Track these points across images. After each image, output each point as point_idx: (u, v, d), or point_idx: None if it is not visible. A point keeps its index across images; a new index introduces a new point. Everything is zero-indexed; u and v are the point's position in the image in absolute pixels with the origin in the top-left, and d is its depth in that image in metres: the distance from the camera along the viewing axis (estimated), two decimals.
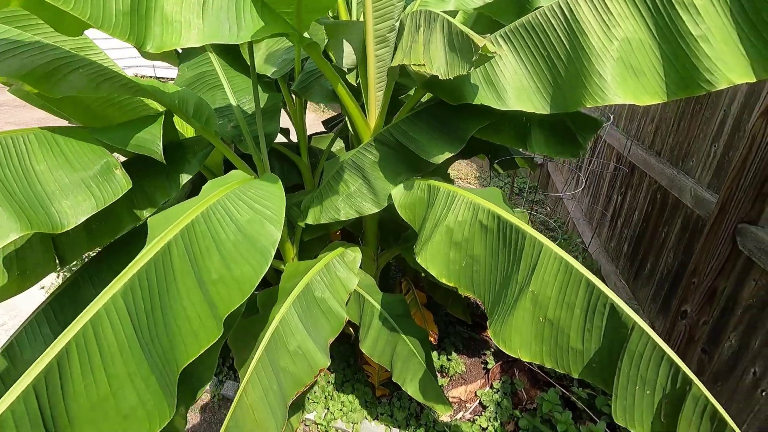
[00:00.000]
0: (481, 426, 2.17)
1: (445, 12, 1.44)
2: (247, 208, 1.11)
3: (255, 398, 1.30)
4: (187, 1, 1.04)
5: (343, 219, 1.47)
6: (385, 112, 1.55)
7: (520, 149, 1.42)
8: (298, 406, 1.92)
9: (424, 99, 1.50)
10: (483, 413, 2.25)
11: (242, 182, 1.23)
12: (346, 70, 1.48)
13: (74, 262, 1.42)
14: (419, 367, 1.70)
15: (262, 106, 1.70)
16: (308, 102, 1.91)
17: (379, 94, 1.50)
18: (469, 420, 2.23)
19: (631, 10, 1.01)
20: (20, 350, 1.27)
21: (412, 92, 1.70)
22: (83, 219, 1.13)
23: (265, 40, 1.73)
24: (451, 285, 1.26)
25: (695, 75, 0.96)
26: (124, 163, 1.34)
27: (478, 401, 2.36)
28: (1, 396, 0.72)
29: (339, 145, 2.46)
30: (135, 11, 0.97)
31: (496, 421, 2.19)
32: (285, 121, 2.18)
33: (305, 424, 2.28)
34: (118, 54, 7.37)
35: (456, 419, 2.24)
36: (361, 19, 1.47)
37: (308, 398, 2.33)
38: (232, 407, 1.31)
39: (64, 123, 1.57)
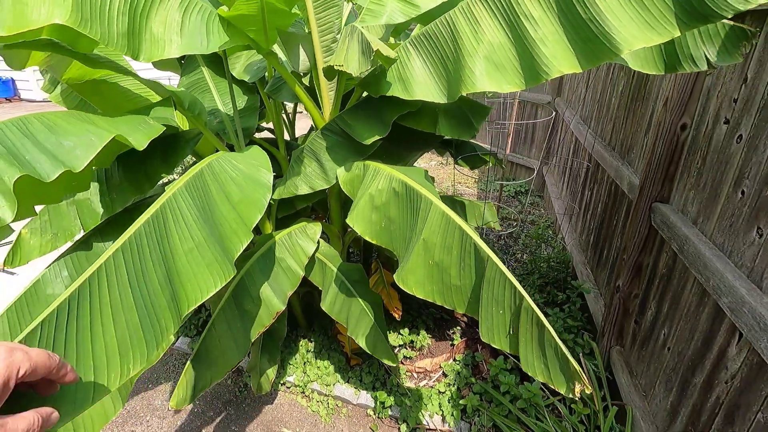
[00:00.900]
0: (439, 390, 2.42)
1: (380, 25, 1.80)
2: (243, 161, 1.48)
3: (222, 330, 1.65)
4: (169, 23, 1.44)
5: (300, 194, 1.81)
6: (338, 107, 1.90)
7: (434, 132, 1.73)
8: (274, 359, 2.25)
9: (364, 95, 1.84)
10: (443, 380, 2.49)
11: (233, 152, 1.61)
12: (302, 74, 1.83)
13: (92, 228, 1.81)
14: (369, 324, 1.99)
15: (243, 107, 2.09)
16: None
17: (330, 93, 1.86)
18: (430, 387, 2.48)
19: (493, 21, 1.31)
20: (44, 286, 1.65)
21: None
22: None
23: (245, 52, 2.13)
24: (374, 242, 1.56)
25: (537, 68, 1.25)
26: (124, 153, 1.73)
27: (441, 372, 2.61)
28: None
29: None
30: (130, 32, 1.37)
31: (454, 386, 2.43)
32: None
33: (286, 386, 2.60)
34: (149, 74, 8.28)
35: (419, 386, 2.49)
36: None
37: (289, 363, 2.65)
38: (202, 336, 1.66)
39: None
